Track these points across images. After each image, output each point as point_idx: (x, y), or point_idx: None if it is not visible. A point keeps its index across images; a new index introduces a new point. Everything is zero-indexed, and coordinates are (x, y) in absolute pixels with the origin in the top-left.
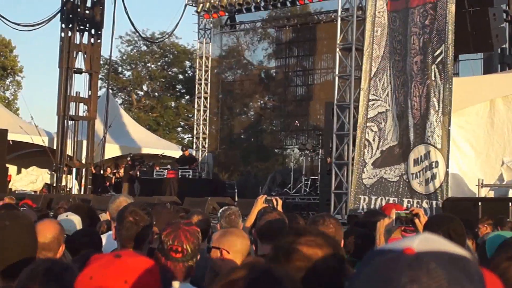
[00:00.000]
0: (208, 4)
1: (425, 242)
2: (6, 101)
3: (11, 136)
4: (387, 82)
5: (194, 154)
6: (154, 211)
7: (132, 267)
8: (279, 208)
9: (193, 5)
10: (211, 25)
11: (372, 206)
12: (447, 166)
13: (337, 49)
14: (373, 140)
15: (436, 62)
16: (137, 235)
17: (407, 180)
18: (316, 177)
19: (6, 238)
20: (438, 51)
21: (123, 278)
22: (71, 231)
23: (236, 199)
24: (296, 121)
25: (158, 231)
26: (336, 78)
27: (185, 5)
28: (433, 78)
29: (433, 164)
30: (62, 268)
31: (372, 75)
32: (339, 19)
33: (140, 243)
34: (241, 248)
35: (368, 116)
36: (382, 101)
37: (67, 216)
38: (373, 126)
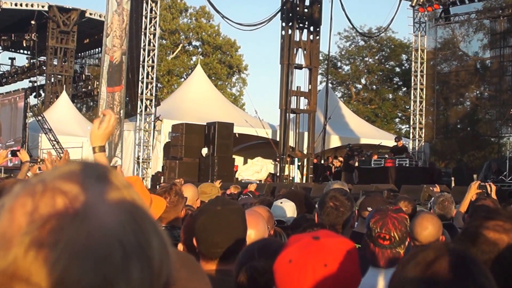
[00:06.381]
0: None
1: None
2: (233, 97)
3: (237, 130)
4: None
5: (410, 144)
6: (368, 197)
7: (331, 249)
8: (493, 194)
9: None
10: (426, 18)
11: None
12: None
13: None
14: None
15: None
16: (338, 220)
17: None
18: None
19: (218, 222)
20: None
21: (323, 262)
22: (284, 217)
23: (452, 186)
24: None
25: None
26: None
27: (400, 0)
28: None
29: None
30: (278, 245)
31: None
32: None
33: (343, 227)
34: None
35: None
36: None
37: (281, 202)
38: None
